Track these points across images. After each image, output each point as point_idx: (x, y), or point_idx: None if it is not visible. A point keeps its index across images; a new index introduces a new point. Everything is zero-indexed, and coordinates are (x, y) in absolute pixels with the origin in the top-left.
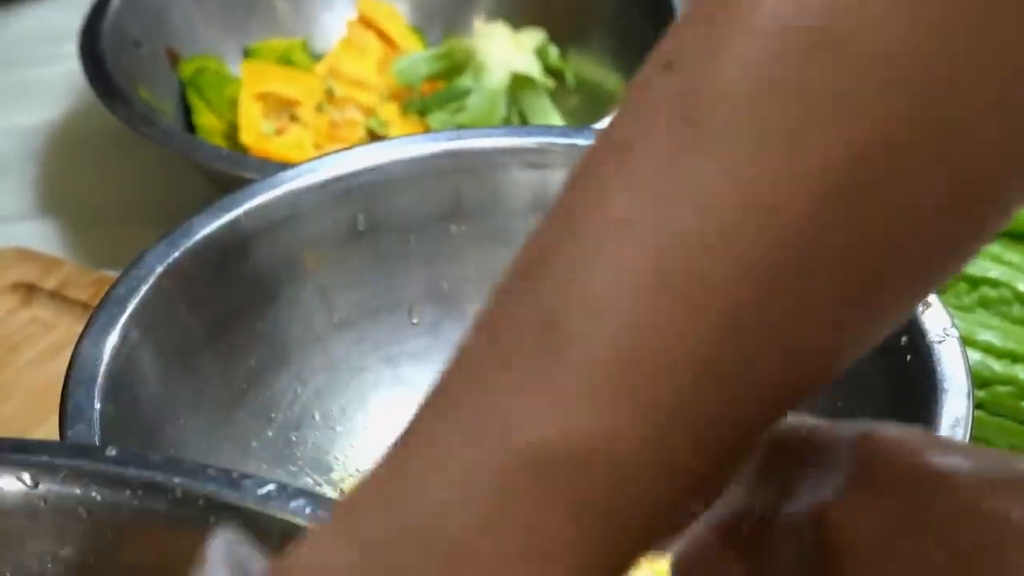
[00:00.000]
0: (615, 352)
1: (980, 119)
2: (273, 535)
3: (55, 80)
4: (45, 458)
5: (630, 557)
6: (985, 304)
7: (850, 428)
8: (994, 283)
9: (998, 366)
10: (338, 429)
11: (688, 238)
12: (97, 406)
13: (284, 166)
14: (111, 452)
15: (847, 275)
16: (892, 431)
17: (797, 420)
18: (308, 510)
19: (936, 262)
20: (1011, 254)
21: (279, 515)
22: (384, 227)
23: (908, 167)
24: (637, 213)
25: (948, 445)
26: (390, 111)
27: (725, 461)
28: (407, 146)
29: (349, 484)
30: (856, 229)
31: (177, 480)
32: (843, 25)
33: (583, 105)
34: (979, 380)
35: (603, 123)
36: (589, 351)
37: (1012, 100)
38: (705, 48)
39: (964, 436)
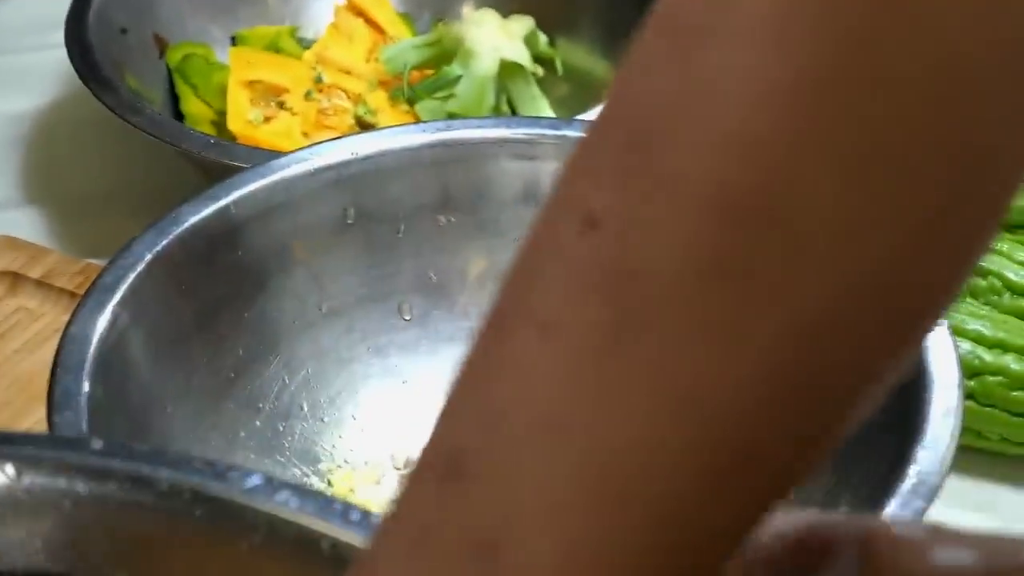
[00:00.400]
0: None
1: (918, 263)
2: (259, 528)
3: (42, 68)
4: (29, 450)
5: None
6: (975, 293)
7: (854, 526)
8: (983, 272)
9: (988, 356)
10: (326, 419)
11: (624, 449)
12: (85, 393)
13: (272, 154)
14: (96, 444)
15: (787, 453)
16: (896, 529)
17: (798, 515)
18: (294, 503)
19: (869, 402)
20: (1001, 243)
21: (265, 508)
22: (374, 217)
23: (849, 329)
24: (567, 415)
25: (954, 538)
26: (379, 98)
27: None
28: (397, 136)
29: (337, 475)
30: (793, 404)
31: (163, 472)
32: (781, 198)
33: (572, 93)
34: (969, 370)
35: (590, 114)
36: None
37: (945, 241)
38: (630, 216)
39: (955, 428)
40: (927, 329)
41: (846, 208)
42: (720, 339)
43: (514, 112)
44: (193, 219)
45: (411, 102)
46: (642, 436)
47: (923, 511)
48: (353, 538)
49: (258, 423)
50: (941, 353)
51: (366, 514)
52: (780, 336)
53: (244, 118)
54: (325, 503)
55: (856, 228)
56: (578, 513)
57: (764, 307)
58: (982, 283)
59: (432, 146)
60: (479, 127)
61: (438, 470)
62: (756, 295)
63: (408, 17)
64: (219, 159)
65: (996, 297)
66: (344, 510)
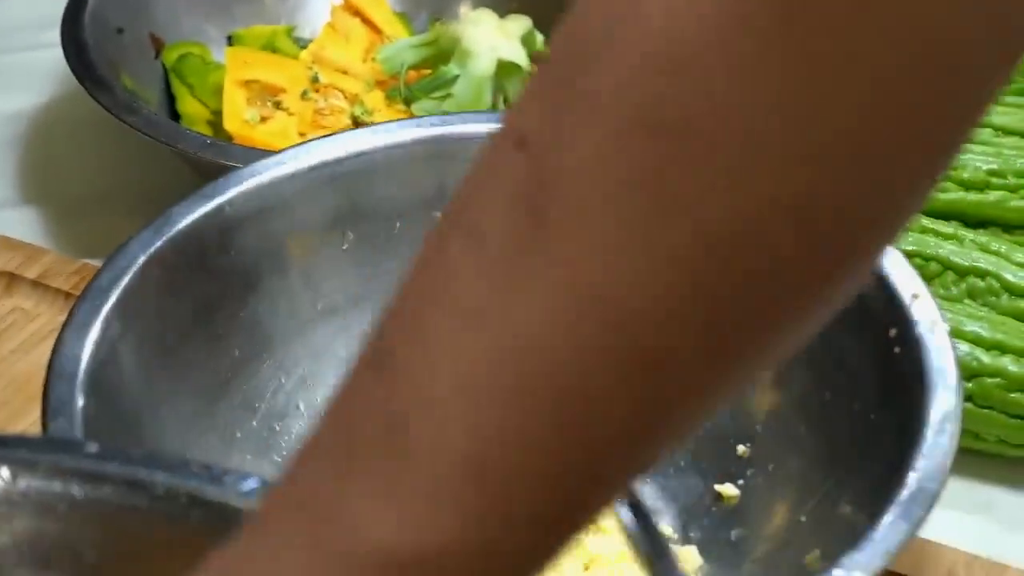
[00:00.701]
0: (459, 462)
1: (830, 186)
2: None
3: (38, 67)
4: (24, 453)
5: None
6: (972, 295)
7: None
8: (981, 273)
9: (986, 357)
10: None
11: (533, 339)
12: (79, 398)
13: (268, 154)
14: (92, 448)
15: (699, 363)
16: None
17: None
18: None
19: (791, 326)
20: (998, 244)
21: None
22: (369, 214)
23: (761, 245)
24: (483, 308)
25: None
26: (375, 99)
27: (566, 548)
28: (392, 132)
29: None
30: (706, 315)
31: (159, 476)
32: (694, 115)
33: None
34: (967, 372)
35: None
36: (434, 459)
37: (863, 161)
38: (553, 131)
39: (954, 430)
40: (849, 263)
41: (760, 125)
42: (632, 244)
43: None
44: (187, 219)
45: (408, 102)
46: (552, 331)
47: (923, 517)
48: None
49: (254, 423)
50: (940, 356)
51: None
52: (691, 246)
53: (240, 118)
54: None
55: (769, 146)
56: (487, 399)
57: (676, 216)
58: (980, 284)
59: (427, 142)
60: (474, 122)
61: (364, 363)
62: (668, 204)
63: (405, 17)
64: (215, 159)
65: (994, 298)
66: None
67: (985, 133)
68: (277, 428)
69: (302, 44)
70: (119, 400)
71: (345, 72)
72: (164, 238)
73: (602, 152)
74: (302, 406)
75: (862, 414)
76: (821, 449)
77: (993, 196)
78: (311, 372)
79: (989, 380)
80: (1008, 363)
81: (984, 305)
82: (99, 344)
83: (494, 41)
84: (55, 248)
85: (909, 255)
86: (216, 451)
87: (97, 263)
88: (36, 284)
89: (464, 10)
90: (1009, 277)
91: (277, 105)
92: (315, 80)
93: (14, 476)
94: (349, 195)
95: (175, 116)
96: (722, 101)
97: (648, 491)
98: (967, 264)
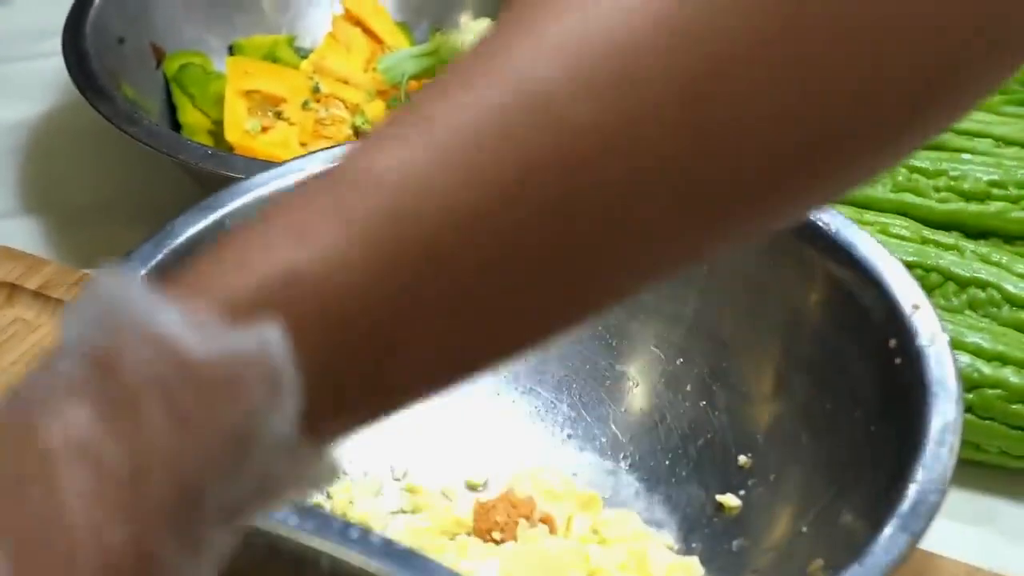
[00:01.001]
0: (395, 172)
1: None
2: (258, 547)
3: (39, 77)
4: None
5: (397, 325)
6: (974, 306)
7: None
8: (982, 284)
9: (987, 369)
10: None
11: (517, 88)
12: None
13: (269, 164)
14: None
15: (669, 124)
16: None
17: None
18: (293, 520)
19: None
20: (999, 255)
21: (264, 525)
22: None
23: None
24: (455, 83)
25: None
26: (376, 108)
27: (484, 283)
28: None
29: (336, 487)
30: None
31: None
32: None
33: None
34: (968, 383)
35: None
36: (380, 175)
37: None
38: None
39: (955, 441)
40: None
41: None
42: (576, 11)
43: None
44: (189, 231)
45: None
46: (536, 74)
47: (924, 528)
48: (352, 556)
49: None
50: (941, 366)
51: (365, 532)
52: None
53: (241, 128)
54: (324, 521)
55: None
56: (443, 133)
57: None
58: (981, 295)
59: None
60: None
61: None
62: None
63: (406, 26)
64: (216, 170)
65: (995, 309)
66: (343, 528)
67: (986, 144)
68: None
69: (303, 54)
70: None
71: (346, 82)
72: (166, 250)
73: None
74: None
75: (863, 424)
76: (822, 459)
77: (994, 207)
78: None
79: (990, 391)
80: (1009, 374)
81: (985, 316)
82: None
83: None
84: (56, 258)
85: (910, 266)
86: None
87: None
88: (37, 295)
89: (465, 20)
90: (1010, 288)
91: (278, 115)
92: (316, 90)
93: None
94: None
95: (176, 126)
96: None
97: (650, 501)
98: (968, 275)
